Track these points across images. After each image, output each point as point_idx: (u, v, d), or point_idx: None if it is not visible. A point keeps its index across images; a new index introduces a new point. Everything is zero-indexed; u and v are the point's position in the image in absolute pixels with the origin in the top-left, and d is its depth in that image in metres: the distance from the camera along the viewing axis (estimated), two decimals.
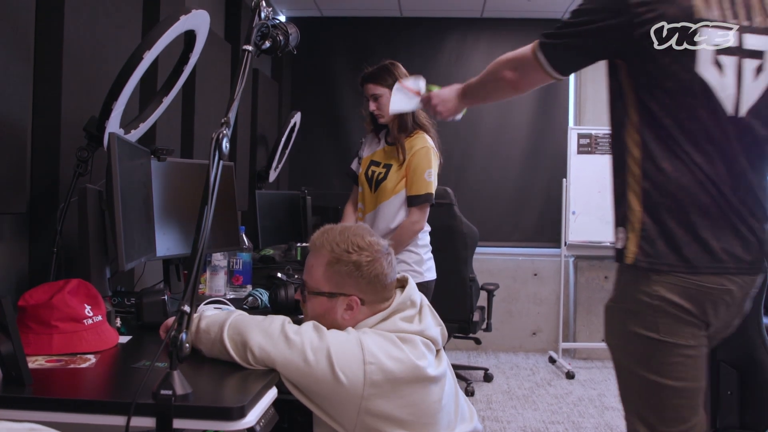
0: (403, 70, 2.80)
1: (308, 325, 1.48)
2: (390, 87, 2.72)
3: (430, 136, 2.78)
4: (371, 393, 1.41)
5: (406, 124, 2.74)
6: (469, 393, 4.15)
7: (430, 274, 2.79)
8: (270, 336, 1.44)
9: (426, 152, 2.71)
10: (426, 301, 1.67)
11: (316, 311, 1.59)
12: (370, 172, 2.81)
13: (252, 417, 1.22)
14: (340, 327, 1.54)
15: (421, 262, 2.75)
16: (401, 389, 1.45)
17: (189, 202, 2.38)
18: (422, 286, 2.26)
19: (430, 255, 2.82)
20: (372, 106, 2.78)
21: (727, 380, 1.96)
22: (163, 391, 1.17)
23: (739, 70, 1.44)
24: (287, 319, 1.51)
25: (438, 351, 1.61)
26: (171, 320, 1.61)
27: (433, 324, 1.61)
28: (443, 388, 1.54)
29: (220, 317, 1.52)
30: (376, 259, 1.57)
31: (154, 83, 2.44)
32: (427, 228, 2.80)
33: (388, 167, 2.76)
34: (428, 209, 2.73)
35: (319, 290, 1.58)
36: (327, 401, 1.43)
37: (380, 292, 1.58)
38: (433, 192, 2.73)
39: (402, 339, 1.50)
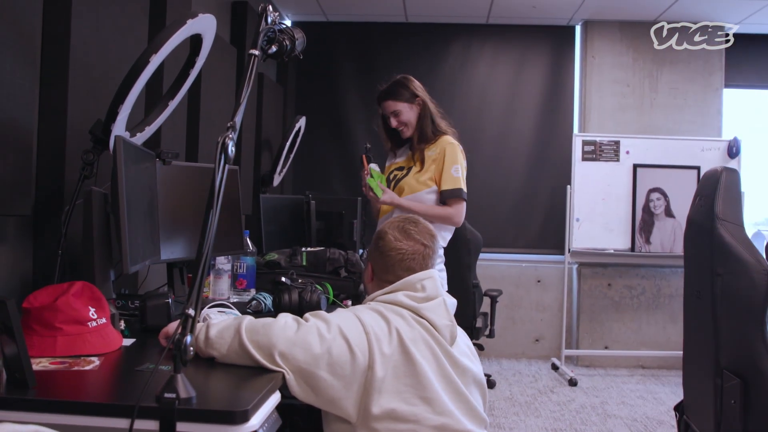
0: (417, 83, 2.81)
1: (308, 315, 1.57)
2: (407, 101, 2.74)
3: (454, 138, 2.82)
4: (373, 362, 1.48)
5: (426, 134, 2.78)
6: None
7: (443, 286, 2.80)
8: (287, 328, 1.49)
9: (452, 149, 2.75)
10: (447, 297, 1.72)
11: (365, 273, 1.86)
12: (392, 176, 2.85)
13: (256, 421, 1.22)
14: (369, 292, 1.77)
15: None
16: (392, 358, 1.52)
17: (194, 205, 2.38)
18: None
19: (444, 267, 2.80)
20: (393, 122, 2.78)
21: (731, 389, 1.96)
22: (166, 394, 1.17)
23: None
24: (290, 314, 1.58)
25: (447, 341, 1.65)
26: (170, 327, 1.62)
27: (441, 314, 1.65)
28: (435, 370, 1.57)
29: (229, 324, 1.53)
30: (399, 245, 1.72)
31: (160, 87, 2.45)
32: (444, 243, 2.80)
33: (409, 169, 2.81)
34: (463, 205, 2.74)
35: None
36: (337, 384, 1.46)
37: (387, 269, 1.73)
38: (463, 187, 2.74)
39: (391, 310, 1.59)
